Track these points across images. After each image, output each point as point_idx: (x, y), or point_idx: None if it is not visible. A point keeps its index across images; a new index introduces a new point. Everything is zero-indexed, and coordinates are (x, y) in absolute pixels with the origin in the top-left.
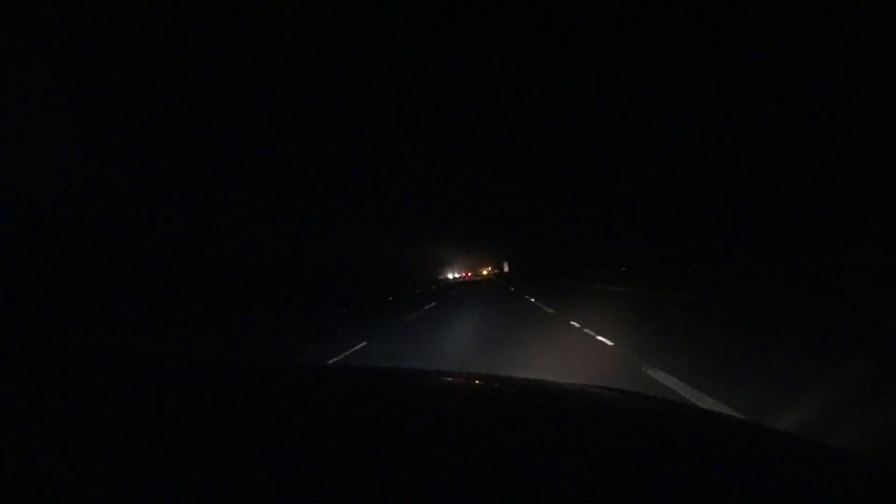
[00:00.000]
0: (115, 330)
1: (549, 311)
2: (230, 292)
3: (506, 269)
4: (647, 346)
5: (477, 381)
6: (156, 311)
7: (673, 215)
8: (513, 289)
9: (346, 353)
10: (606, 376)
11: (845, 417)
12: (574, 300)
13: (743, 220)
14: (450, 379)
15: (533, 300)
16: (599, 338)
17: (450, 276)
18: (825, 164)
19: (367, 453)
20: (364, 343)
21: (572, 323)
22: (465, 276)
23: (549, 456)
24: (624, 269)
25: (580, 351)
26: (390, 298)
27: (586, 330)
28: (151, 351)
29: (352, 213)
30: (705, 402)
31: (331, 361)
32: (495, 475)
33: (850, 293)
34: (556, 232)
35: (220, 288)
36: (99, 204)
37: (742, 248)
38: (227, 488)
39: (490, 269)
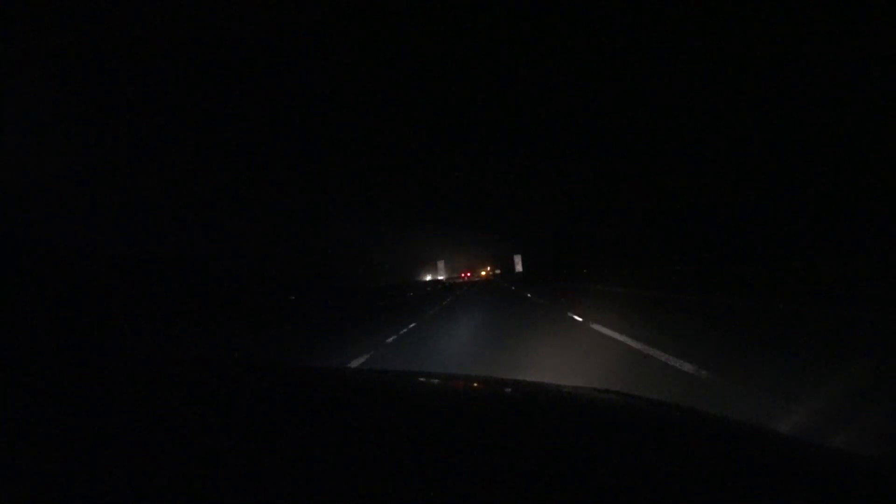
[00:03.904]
0: (120, 333)
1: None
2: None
3: (518, 267)
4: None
5: (476, 384)
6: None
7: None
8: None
9: None
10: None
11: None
12: (577, 300)
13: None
14: (450, 382)
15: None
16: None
17: (428, 277)
18: (817, 168)
19: (366, 455)
20: None
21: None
22: (463, 278)
23: (548, 457)
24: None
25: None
26: None
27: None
28: (165, 352)
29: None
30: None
31: None
32: (495, 476)
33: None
34: (564, 233)
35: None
36: (98, 207)
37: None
38: (229, 489)
39: (489, 268)
